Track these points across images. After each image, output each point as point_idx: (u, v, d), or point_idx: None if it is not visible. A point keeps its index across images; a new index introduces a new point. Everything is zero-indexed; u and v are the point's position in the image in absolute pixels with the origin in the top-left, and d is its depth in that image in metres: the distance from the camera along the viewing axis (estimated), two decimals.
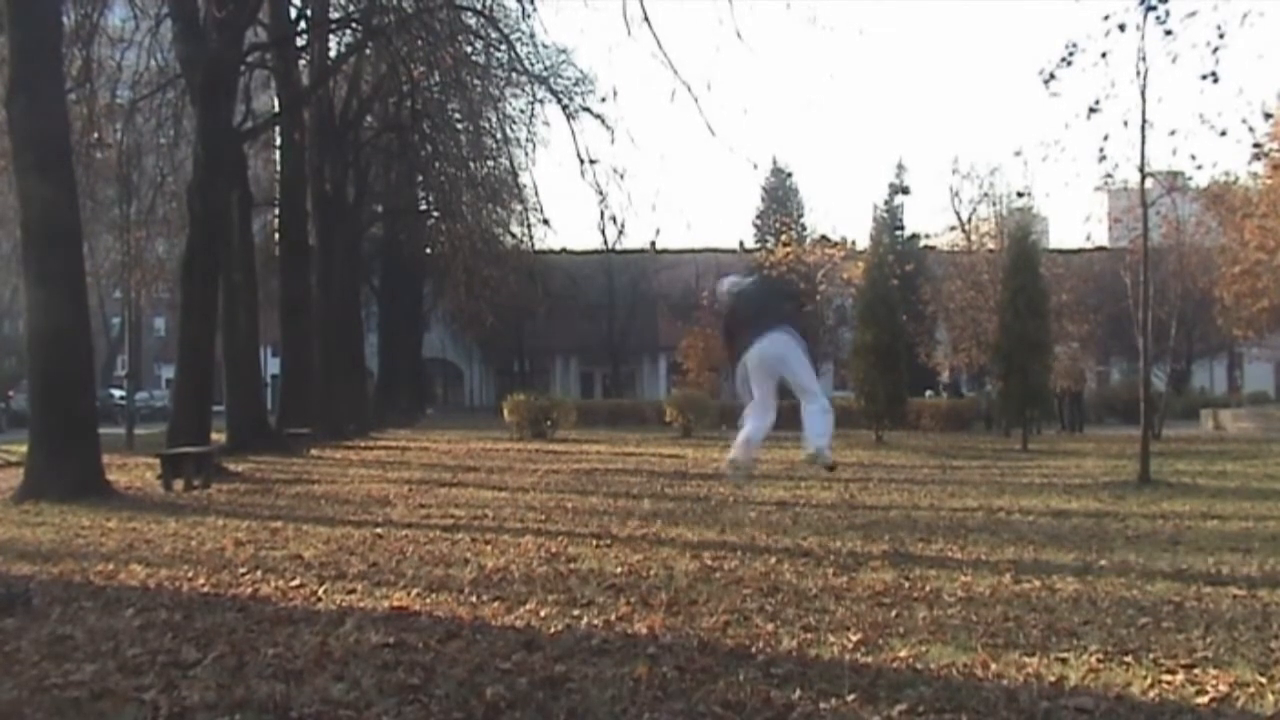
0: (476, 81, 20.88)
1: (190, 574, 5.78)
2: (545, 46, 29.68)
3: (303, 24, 21.73)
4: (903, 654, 3.93)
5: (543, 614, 4.66)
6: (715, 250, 47.37)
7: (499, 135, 24.70)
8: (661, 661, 3.85)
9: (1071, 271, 25.70)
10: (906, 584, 5.37)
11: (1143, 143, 11.01)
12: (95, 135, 17.51)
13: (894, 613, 4.68)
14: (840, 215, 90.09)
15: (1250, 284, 23.24)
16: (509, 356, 48.35)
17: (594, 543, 6.92)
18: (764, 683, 3.55)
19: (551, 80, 25.47)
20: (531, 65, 23.72)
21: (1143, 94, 10.63)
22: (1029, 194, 34.33)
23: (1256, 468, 13.46)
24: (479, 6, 20.11)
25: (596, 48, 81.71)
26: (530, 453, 17.40)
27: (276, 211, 24.88)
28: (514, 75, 23.30)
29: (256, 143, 23.21)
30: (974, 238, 28.47)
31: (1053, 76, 9.67)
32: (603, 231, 37.95)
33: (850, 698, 3.38)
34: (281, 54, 20.34)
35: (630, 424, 29.97)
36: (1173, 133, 11.60)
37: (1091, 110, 9.90)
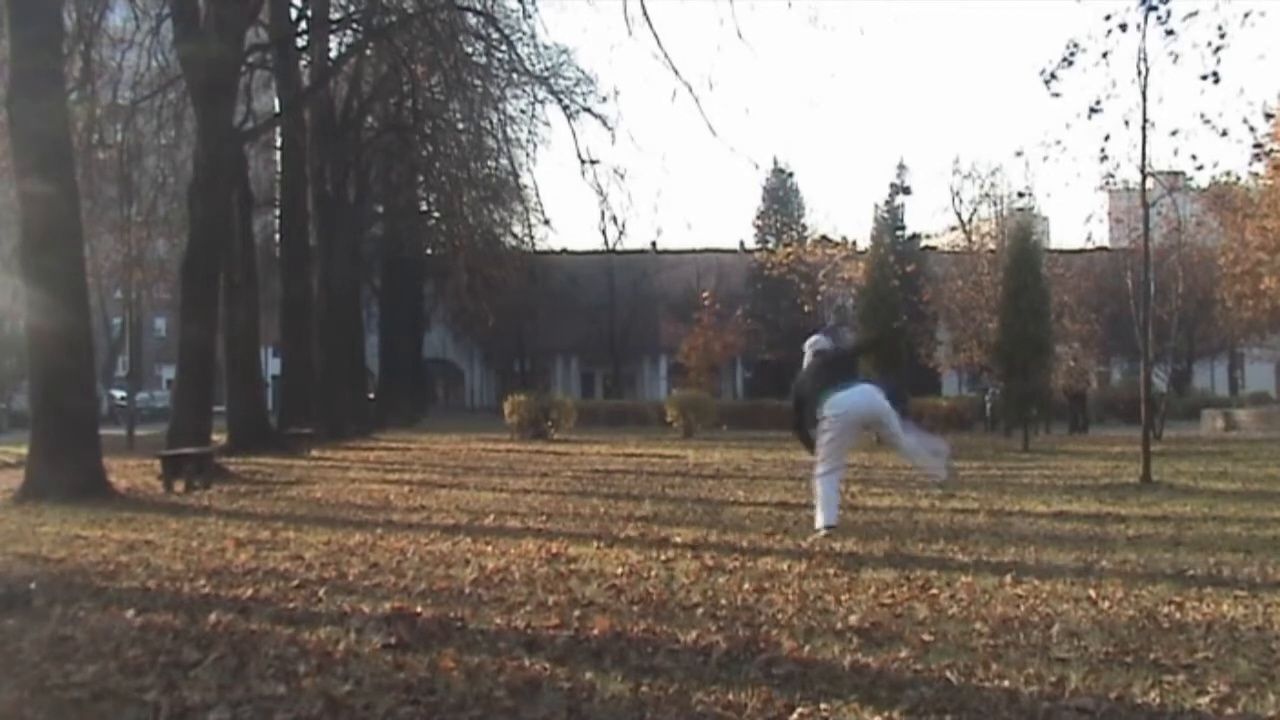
0: (477, 82, 20.91)
1: (191, 575, 5.78)
2: (546, 47, 29.77)
3: (303, 24, 21.75)
4: (904, 654, 3.93)
5: (543, 614, 4.65)
6: (716, 250, 47.41)
7: (500, 135, 24.75)
8: (662, 662, 3.85)
9: (1072, 271, 25.70)
10: (907, 584, 5.37)
11: (1144, 143, 11.03)
12: (96, 136, 17.54)
13: (895, 613, 4.68)
14: (841, 215, 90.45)
15: (1252, 284, 23.26)
16: (510, 357, 48.37)
17: (595, 543, 6.92)
18: (765, 683, 3.55)
19: (552, 80, 25.56)
20: (532, 65, 23.79)
21: (1144, 94, 10.64)
22: (1030, 194, 34.29)
23: (1257, 468, 13.45)
24: (480, 7, 20.14)
25: (597, 48, 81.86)
26: (531, 453, 17.40)
27: (277, 212, 24.90)
28: (515, 75, 23.35)
29: (257, 143, 23.24)
30: (975, 238, 28.45)
31: (1054, 76, 9.69)
32: (603, 232, 38.04)
33: (851, 698, 3.38)
34: (282, 54, 20.35)
35: (631, 424, 29.97)
36: (1174, 133, 11.58)
37: (1093, 110, 9.91)
